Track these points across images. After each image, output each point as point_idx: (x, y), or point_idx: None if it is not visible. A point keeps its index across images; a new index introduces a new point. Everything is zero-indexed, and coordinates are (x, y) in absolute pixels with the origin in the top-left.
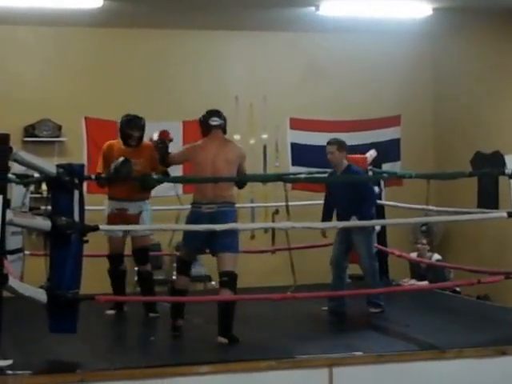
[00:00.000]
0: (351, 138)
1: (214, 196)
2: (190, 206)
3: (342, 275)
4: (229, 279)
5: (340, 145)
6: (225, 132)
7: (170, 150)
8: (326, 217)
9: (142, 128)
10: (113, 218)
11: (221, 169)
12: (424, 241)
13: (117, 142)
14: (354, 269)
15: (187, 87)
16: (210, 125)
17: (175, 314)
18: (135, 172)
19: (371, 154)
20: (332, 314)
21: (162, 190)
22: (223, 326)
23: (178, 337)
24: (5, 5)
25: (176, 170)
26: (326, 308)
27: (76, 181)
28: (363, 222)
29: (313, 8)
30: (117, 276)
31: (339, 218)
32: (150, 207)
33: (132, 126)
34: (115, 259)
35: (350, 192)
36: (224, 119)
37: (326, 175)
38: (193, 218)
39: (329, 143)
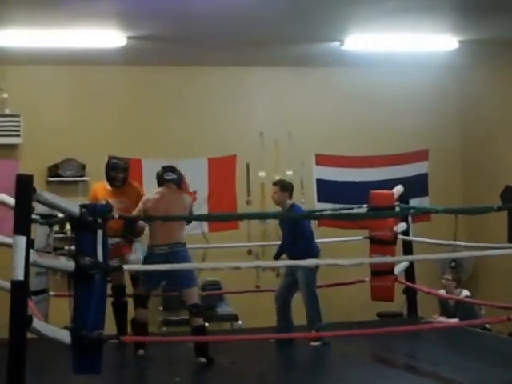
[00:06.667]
0: (378, 174)
1: (167, 239)
2: (216, 245)
3: (286, 313)
4: (197, 310)
5: (282, 185)
6: (179, 186)
7: (194, 189)
8: (279, 253)
9: (126, 169)
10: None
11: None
12: (449, 277)
13: (103, 183)
14: (382, 307)
15: (212, 124)
16: (164, 179)
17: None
18: (118, 210)
19: (398, 189)
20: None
21: (188, 228)
22: (201, 347)
23: (204, 377)
24: (29, 45)
25: (200, 209)
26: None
27: (99, 220)
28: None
29: (337, 43)
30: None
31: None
32: (140, 246)
33: (116, 168)
34: (117, 290)
35: (291, 229)
36: (178, 174)
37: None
38: (148, 259)
39: (273, 184)
